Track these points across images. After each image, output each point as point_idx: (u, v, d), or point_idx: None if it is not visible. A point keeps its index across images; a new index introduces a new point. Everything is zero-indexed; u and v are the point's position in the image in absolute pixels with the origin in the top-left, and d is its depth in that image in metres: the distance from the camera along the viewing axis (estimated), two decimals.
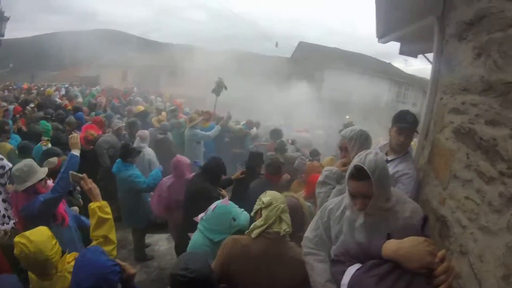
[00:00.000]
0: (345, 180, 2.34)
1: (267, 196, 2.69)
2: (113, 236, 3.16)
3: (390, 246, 1.60)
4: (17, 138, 6.61)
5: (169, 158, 5.77)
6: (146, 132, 7.04)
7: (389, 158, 3.34)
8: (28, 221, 3.65)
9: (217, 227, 3.11)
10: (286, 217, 2.64)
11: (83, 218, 4.36)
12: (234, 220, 3.14)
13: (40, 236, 2.62)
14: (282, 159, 5.78)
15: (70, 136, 4.47)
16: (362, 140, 3.22)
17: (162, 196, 5.22)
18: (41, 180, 3.82)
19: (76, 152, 4.16)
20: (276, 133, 8.75)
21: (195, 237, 3.20)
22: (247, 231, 2.68)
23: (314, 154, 7.61)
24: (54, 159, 4.73)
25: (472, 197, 1.94)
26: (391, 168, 3.15)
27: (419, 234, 1.68)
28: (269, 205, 2.59)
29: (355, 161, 2.23)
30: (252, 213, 2.80)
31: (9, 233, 3.75)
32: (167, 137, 8.18)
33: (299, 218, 3.07)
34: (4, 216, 4.05)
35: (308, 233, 2.62)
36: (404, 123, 3.24)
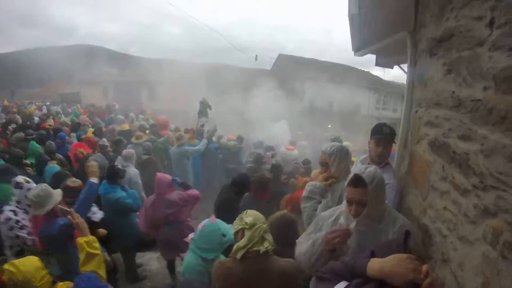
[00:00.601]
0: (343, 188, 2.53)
1: (249, 216, 2.70)
2: (102, 271, 3.10)
3: (374, 265, 1.65)
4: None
5: (154, 178, 5.77)
6: (131, 151, 7.04)
7: None
8: (47, 242, 3.71)
9: (208, 245, 3.15)
10: (268, 236, 2.68)
11: None
12: (224, 236, 3.19)
13: (29, 266, 2.64)
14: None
15: (89, 164, 4.58)
16: (342, 155, 3.35)
17: (146, 214, 5.25)
18: (59, 202, 3.86)
19: (94, 180, 4.26)
20: (270, 148, 9.30)
21: (188, 257, 3.22)
22: (231, 253, 2.69)
23: (306, 163, 7.90)
24: (77, 181, 4.69)
25: (450, 208, 2.02)
26: None
27: (401, 249, 1.74)
28: (252, 226, 2.61)
29: (355, 170, 2.39)
30: (232, 232, 2.82)
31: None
32: (152, 158, 8.15)
33: (295, 232, 3.18)
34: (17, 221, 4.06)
35: (301, 239, 2.72)
36: (381, 135, 3.34)
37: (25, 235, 3.97)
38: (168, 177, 5.33)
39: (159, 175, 5.35)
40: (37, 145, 7.12)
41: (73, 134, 9.96)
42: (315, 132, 14.33)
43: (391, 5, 3.32)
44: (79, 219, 3.28)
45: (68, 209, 3.38)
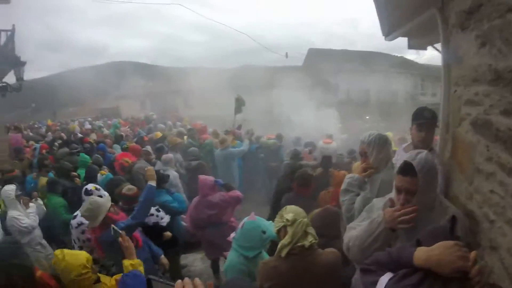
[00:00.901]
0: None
1: (289, 212, 2.68)
2: None
3: (420, 254, 1.55)
4: (50, 174, 6.91)
5: None
6: (169, 156, 7.43)
7: None
8: (107, 247, 3.86)
9: (249, 243, 3.16)
10: (311, 230, 2.65)
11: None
12: (264, 232, 3.18)
13: (74, 259, 2.86)
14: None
15: (146, 168, 4.72)
16: (381, 144, 3.16)
17: (191, 215, 5.38)
18: (109, 208, 3.97)
19: (153, 183, 4.36)
20: (309, 144, 9.33)
21: (231, 256, 3.25)
22: (276, 252, 2.65)
23: (351, 153, 8.13)
24: (133, 188, 4.86)
25: (497, 190, 1.88)
26: None
27: (448, 237, 1.63)
28: (293, 222, 2.58)
29: (405, 157, 2.24)
30: (274, 230, 2.80)
31: None
32: (202, 162, 8.21)
33: (338, 225, 3.22)
34: None
35: (353, 224, 2.59)
36: (422, 119, 3.20)
37: None
38: (210, 179, 5.41)
39: (202, 177, 5.43)
40: (86, 156, 7.41)
41: (116, 146, 10.22)
42: (354, 124, 14.06)
43: None
44: (128, 243, 3.36)
45: (119, 231, 3.44)
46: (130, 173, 6.90)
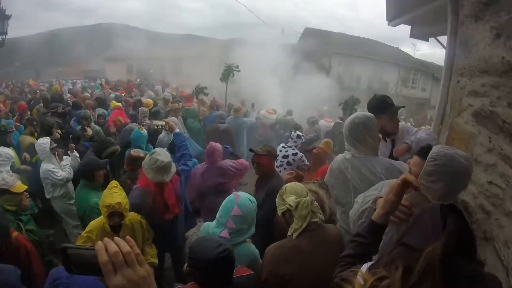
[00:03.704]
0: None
1: (289, 194, 2.54)
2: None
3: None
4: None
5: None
6: (175, 120, 7.23)
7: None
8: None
9: (246, 224, 2.79)
10: (316, 206, 2.54)
11: None
12: (253, 203, 2.87)
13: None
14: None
15: (166, 120, 5.09)
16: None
17: (195, 183, 5.19)
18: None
19: (178, 131, 4.71)
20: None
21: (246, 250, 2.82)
22: (288, 234, 2.53)
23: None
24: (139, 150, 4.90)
25: (496, 181, 1.89)
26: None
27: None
28: (297, 205, 2.47)
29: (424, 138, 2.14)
30: (279, 212, 2.61)
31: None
32: (229, 127, 8.33)
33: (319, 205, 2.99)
34: None
35: (359, 198, 2.39)
36: (392, 107, 3.15)
37: None
38: (220, 146, 5.29)
39: (212, 143, 5.27)
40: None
41: (99, 109, 9.93)
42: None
43: None
44: None
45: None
46: (119, 133, 6.88)
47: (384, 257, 1.33)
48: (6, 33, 11.01)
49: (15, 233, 2.85)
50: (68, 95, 12.76)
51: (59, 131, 6.14)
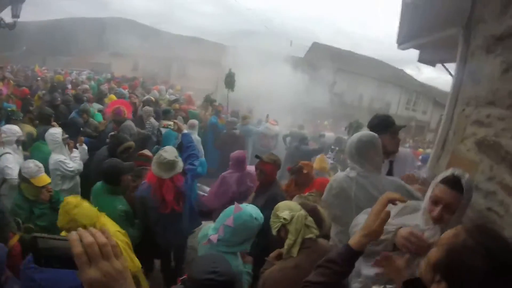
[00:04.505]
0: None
1: (283, 210, 2.59)
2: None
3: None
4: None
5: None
6: (195, 121, 7.71)
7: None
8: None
9: (241, 237, 2.68)
10: (310, 221, 2.58)
11: None
12: (256, 219, 2.70)
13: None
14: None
15: (175, 121, 4.93)
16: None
17: (229, 190, 5.08)
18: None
19: (186, 131, 4.62)
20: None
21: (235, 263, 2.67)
22: (284, 255, 2.52)
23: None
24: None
25: (496, 209, 1.97)
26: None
27: None
28: (291, 218, 2.51)
29: (451, 171, 1.92)
30: (274, 232, 2.61)
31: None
32: (240, 133, 8.98)
33: (318, 219, 2.90)
34: None
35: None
36: (394, 125, 3.18)
37: None
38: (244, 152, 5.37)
39: (240, 152, 5.32)
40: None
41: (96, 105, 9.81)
42: (341, 124, 14.22)
43: None
44: None
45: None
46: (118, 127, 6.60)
47: None
48: (18, 16, 11.02)
49: (15, 239, 2.78)
50: (69, 86, 12.75)
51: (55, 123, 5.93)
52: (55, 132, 4.79)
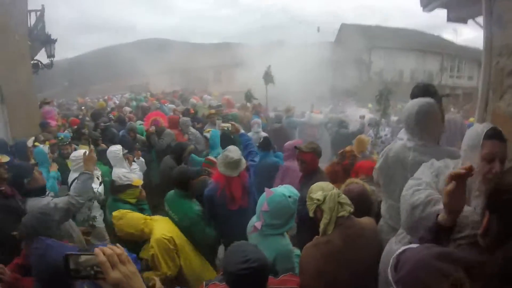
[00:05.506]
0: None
1: (316, 191, 2.59)
2: None
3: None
4: None
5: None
6: (259, 120, 8.01)
7: None
8: None
9: (280, 219, 2.86)
10: (344, 198, 2.55)
11: None
12: (290, 197, 2.88)
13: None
14: None
15: (232, 123, 5.55)
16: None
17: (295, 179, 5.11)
18: None
19: (242, 132, 5.39)
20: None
21: (276, 243, 2.87)
22: (321, 233, 2.53)
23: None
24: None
25: None
26: None
27: None
28: (324, 198, 2.50)
29: (486, 125, 1.93)
30: (310, 214, 2.61)
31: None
32: (283, 126, 9.21)
33: (366, 203, 2.96)
34: None
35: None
36: (435, 96, 2.91)
37: None
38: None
39: (294, 141, 5.40)
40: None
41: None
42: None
43: None
44: None
45: None
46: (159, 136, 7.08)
47: None
48: (53, 56, 11.70)
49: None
50: (109, 109, 13.36)
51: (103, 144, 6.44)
52: (116, 149, 5.25)
